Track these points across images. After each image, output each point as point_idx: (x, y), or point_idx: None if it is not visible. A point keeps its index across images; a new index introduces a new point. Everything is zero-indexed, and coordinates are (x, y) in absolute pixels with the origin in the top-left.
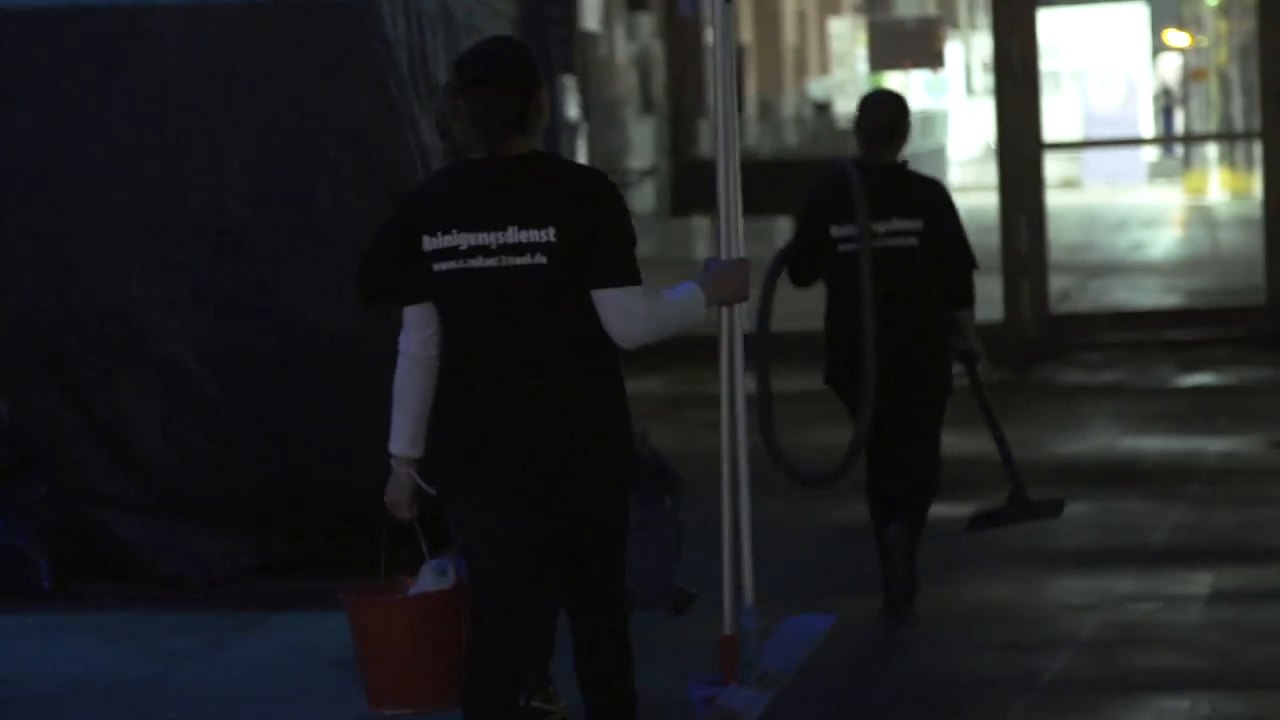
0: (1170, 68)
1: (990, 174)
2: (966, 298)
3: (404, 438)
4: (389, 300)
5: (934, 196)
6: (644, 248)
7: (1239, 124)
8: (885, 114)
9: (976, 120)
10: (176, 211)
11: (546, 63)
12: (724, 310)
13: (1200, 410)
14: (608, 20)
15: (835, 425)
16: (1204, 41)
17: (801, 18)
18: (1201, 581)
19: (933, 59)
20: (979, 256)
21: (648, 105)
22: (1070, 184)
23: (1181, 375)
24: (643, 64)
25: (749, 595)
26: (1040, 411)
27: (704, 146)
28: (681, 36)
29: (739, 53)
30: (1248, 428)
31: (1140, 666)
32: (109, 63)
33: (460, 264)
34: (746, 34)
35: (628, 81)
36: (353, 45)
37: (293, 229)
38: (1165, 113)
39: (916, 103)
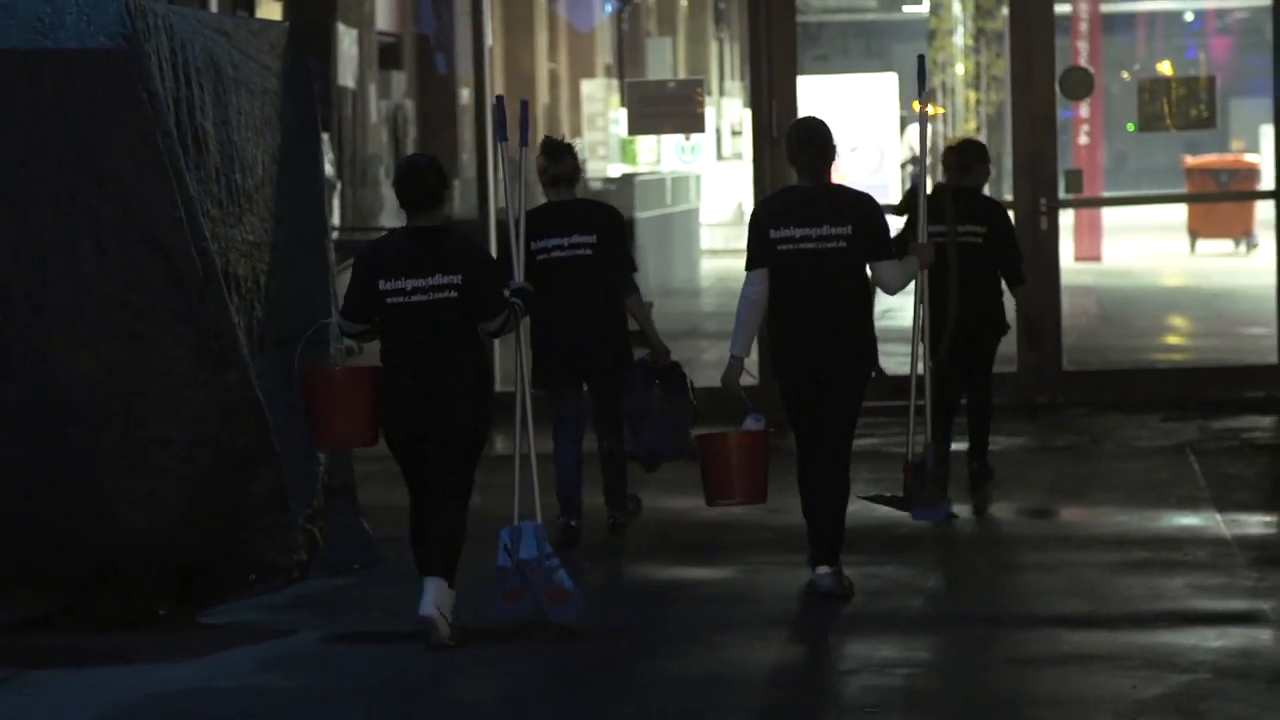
0: (919, 137)
1: (740, 237)
2: (1019, 278)
3: (741, 346)
4: (757, 266)
5: (997, 211)
6: None
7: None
8: (954, 155)
9: (727, 184)
10: None
11: (313, 117)
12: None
13: (955, 476)
14: (361, 77)
15: None
16: (941, 110)
17: (554, 79)
18: (959, 647)
19: (693, 123)
20: (728, 321)
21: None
22: None
23: None
24: (395, 122)
25: (927, 436)
26: (795, 477)
27: (457, 206)
28: (435, 95)
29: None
30: (1002, 495)
31: None
32: None
33: (795, 246)
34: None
35: (380, 139)
36: (118, 96)
37: (55, 280)
38: (913, 181)
39: (668, 166)
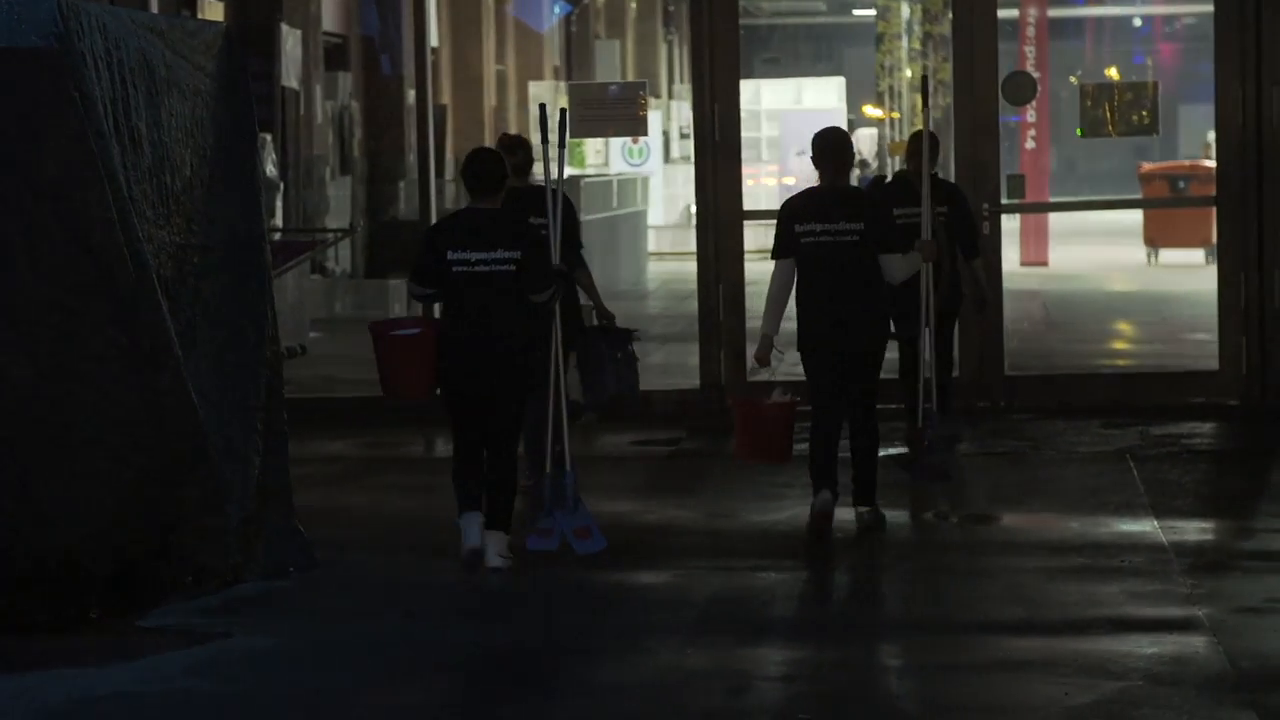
0: (867, 140)
1: (688, 240)
2: (975, 251)
3: (772, 324)
4: (784, 256)
5: (956, 193)
6: (340, 309)
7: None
8: (927, 142)
9: (674, 187)
10: None
11: (249, 118)
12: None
13: (887, 482)
14: (307, 78)
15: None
16: (896, 115)
17: (501, 81)
18: (893, 652)
19: (636, 126)
20: (674, 324)
21: (345, 165)
22: (768, 253)
23: None
24: (341, 123)
25: (934, 408)
26: (735, 481)
27: (402, 207)
28: (381, 96)
29: (439, 114)
30: (941, 500)
31: None
32: None
33: (815, 239)
34: (445, 96)
35: (325, 140)
36: (51, 96)
37: None
38: (862, 184)
39: (615, 168)
